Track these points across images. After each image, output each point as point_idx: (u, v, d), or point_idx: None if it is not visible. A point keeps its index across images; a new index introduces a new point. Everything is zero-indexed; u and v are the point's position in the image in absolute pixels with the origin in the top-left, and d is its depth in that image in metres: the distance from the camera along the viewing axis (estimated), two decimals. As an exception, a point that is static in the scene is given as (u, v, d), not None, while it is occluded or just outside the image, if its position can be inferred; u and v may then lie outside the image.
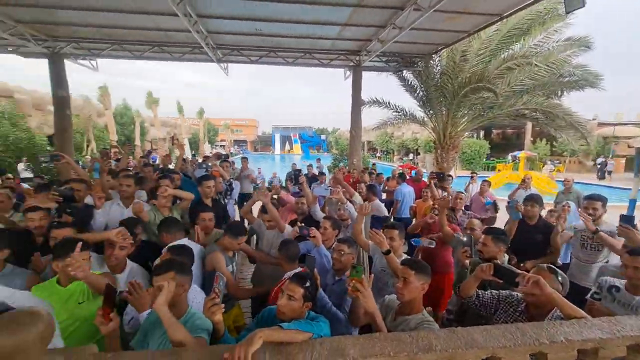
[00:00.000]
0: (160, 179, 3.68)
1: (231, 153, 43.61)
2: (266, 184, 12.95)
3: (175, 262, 1.73)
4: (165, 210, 3.49)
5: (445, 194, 4.75)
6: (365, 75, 10.16)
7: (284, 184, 7.88)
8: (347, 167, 10.48)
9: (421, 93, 10.39)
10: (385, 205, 5.14)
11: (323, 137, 54.41)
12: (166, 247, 2.36)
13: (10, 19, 7.12)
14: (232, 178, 4.89)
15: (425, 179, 6.98)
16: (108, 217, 3.37)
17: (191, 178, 5.24)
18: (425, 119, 10.96)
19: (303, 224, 2.77)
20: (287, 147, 52.13)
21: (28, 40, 7.86)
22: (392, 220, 5.27)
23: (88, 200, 3.41)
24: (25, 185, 6.07)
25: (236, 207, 5.63)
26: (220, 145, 45.43)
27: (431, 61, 9.63)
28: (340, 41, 8.62)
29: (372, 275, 1.89)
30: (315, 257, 2.34)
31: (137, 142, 23.76)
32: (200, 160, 8.21)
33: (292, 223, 3.73)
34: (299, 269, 2.48)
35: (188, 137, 36.96)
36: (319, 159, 13.48)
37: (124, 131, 24.77)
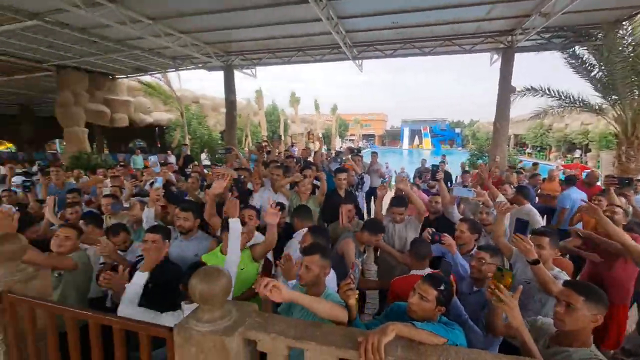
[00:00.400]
0: (303, 169, 4.14)
1: (359, 147, 45.07)
2: (393, 180, 12.87)
3: (321, 246, 1.94)
4: (305, 197, 3.93)
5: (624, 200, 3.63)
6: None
7: (411, 180, 7.63)
8: (487, 165, 9.27)
9: (600, 73, 8.08)
10: (540, 213, 4.31)
11: (457, 130, 49.58)
12: (307, 228, 2.66)
13: (201, 41, 9.26)
14: (363, 172, 5.06)
15: (600, 184, 5.48)
16: (261, 200, 4.05)
17: (326, 170, 5.71)
18: (604, 105, 8.49)
19: (434, 230, 2.60)
20: (416, 141, 49.89)
21: (211, 57, 10.05)
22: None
23: (249, 185, 4.18)
24: (205, 171, 7.89)
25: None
26: (350, 140, 47.41)
27: (618, 31, 7.36)
28: (488, 22, 7.62)
29: (521, 287, 1.64)
30: (450, 263, 2.20)
31: (280, 135, 27.29)
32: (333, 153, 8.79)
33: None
34: (427, 270, 2.38)
35: (322, 132, 40.12)
36: (444, 156, 12.29)
37: (271, 127, 28.99)
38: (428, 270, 2.36)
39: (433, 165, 4.13)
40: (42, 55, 10.49)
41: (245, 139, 22.45)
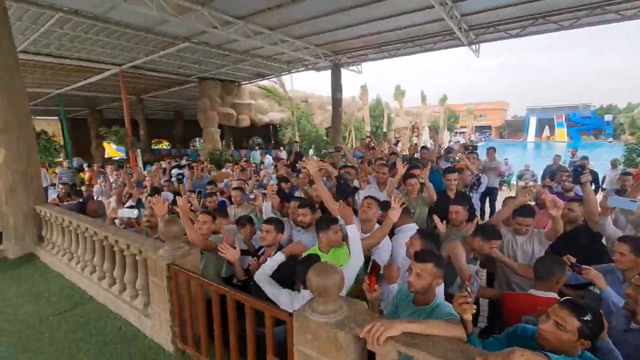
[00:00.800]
0: (411, 168, 4.00)
1: (471, 141, 40.67)
2: (514, 178, 11.18)
3: (435, 255, 1.85)
4: (412, 196, 3.79)
5: None
6: None
7: (538, 180, 6.49)
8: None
9: None
10: None
11: (608, 117, 39.59)
12: (416, 231, 2.57)
13: (312, 44, 9.82)
14: (480, 171, 4.56)
15: None
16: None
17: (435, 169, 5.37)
18: None
19: (573, 262, 2.11)
20: (546, 132, 41.95)
21: (320, 58, 10.58)
22: None
23: (355, 183, 4.28)
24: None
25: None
26: (460, 132, 43.26)
27: None
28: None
29: None
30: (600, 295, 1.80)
31: (384, 131, 26.86)
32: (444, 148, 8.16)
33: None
34: (551, 294, 2.01)
35: (428, 124, 37.79)
36: (574, 149, 9.82)
37: (375, 122, 28.81)
38: (551, 295, 2.00)
39: (576, 166, 3.39)
40: (189, 71, 12.89)
41: (349, 135, 22.94)
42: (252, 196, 4.61)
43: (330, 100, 12.46)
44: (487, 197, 6.25)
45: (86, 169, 12.96)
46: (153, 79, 13.51)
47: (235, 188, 4.49)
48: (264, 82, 16.99)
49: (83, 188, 6.81)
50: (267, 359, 1.85)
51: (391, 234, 3.01)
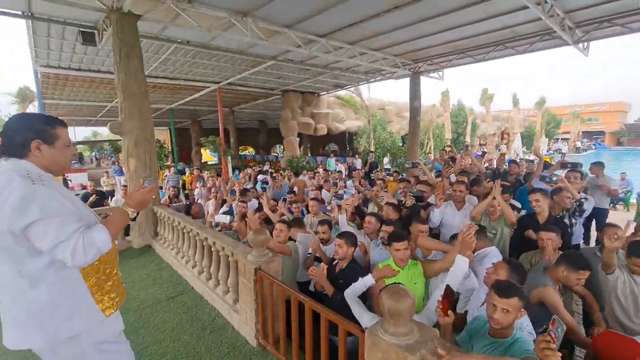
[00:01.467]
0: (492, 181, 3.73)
1: (577, 149, 34.92)
2: (634, 196, 9.29)
3: (519, 289, 1.76)
4: (495, 217, 3.52)
5: None
6: None
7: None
8: None
9: None
10: None
11: None
12: (503, 259, 2.43)
13: (391, 54, 9.79)
14: (582, 191, 3.97)
15: None
16: (443, 216, 3.94)
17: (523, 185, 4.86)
18: None
19: None
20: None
21: (399, 67, 10.46)
22: None
23: (431, 199, 4.16)
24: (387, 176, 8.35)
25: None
26: (562, 139, 37.58)
27: None
28: None
29: None
30: None
31: (467, 138, 24.94)
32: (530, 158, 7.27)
33: None
34: None
35: (520, 131, 33.80)
36: None
37: (457, 129, 26.94)
38: None
39: None
40: (274, 85, 14.01)
41: (427, 143, 21.95)
42: (329, 207, 4.84)
43: (407, 107, 12.19)
44: (594, 219, 5.39)
45: (187, 172, 15.10)
46: (243, 93, 15.03)
47: (312, 198, 4.77)
48: (341, 92, 17.43)
49: (187, 192, 7.98)
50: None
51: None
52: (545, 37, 7.93)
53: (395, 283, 2.14)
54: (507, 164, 6.33)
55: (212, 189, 6.69)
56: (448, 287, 1.93)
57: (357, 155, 17.52)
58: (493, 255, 2.81)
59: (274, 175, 8.29)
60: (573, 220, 3.39)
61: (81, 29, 6.25)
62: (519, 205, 4.18)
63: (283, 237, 3.37)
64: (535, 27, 7.48)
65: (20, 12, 5.84)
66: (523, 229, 3.32)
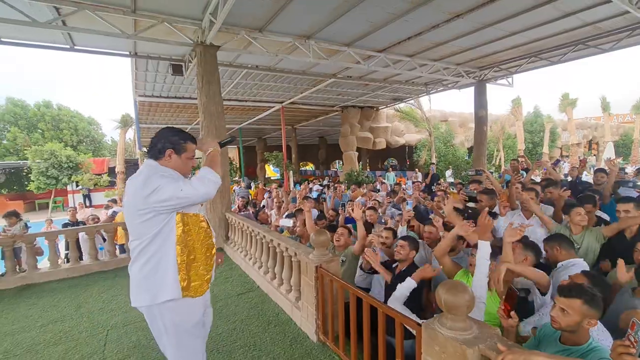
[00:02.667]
0: (581, 199, 3.38)
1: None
2: None
3: (586, 291, 1.65)
4: (578, 229, 3.20)
5: None
6: None
7: None
8: None
9: None
10: None
11: None
12: (582, 271, 2.25)
13: (453, 64, 9.54)
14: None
15: None
16: (506, 225, 3.70)
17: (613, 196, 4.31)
18: None
19: None
20: None
21: (462, 76, 10.10)
22: None
23: (496, 209, 3.95)
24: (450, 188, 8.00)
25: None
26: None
27: None
28: None
29: None
30: None
31: (545, 149, 22.54)
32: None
33: None
34: None
35: (614, 139, 29.41)
36: None
37: (533, 138, 24.51)
38: None
39: None
40: (333, 101, 14.52)
41: (497, 154, 20.36)
42: (384, 218, 4.87)
43: (473, 117, 11.59)
44: None
45: (253, 187, 16.22)
46: (305, 111, 15.83)
47: (369, 208, 4.85)
48: (401, 105, 17.28)
49: (255, 202, 8.65)
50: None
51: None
52: (637, 30, 7.03)
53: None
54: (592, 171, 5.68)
55: (276, 199, 7.16)
56: (511, 288, 1.87)
57: (416, 170, 17.01)
58: (579, 266, 2.59)
59: (335, 186, 8.54)
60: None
61: (172, 62, 7.39)
62: (606, 217, 3.74)
63: (344, 240, 3.54)
64: (624, 21, 6.70)
65: (128, 53, 7.15)
66: (613, 242, 2.98)
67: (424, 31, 6.89)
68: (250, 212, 6.73)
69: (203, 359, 2.04)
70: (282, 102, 13.55)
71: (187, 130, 2.00)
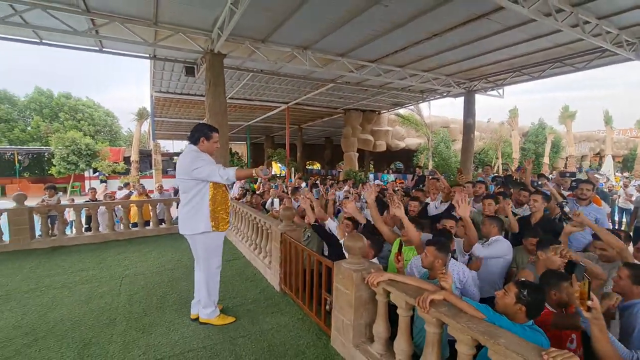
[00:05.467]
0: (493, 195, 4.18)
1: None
2: None
3: (438, 241, 2.46)
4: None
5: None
6: None
7: None
8: None
9: None
10: None
11: None
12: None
13: (443, 74, 10.29)
14: None
15: None
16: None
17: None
18: None
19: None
20: None
21: (452, 87, 10.84)
22: None
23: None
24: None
25: None
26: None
27: None
28: None
29: None
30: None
31: (546, 159, 22.91)
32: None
33: None
34: None
35: (622, 153, 29.46)
36: None
37: (537, 149, 24.82)
38: None
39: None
40: (336, 104, 15.38)
41: (496, 162, 20.89)
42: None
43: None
44: None
45: (259, 181, 17.20)
46: (310, 111, 16.72)
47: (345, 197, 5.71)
48: (402, 110, 18.01)
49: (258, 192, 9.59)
50: (322, 292, 2.90)
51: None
52: (607, 52, 7.69)
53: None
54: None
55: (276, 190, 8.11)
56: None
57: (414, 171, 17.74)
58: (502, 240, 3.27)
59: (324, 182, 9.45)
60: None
61: (185, 65, 8.37)
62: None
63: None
64: (592, 44, 7.36)
65: (147, 55, 8.16)
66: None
67: (408, 46, 7.69)
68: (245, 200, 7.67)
69: (218, 272, 3.20)
70: (287, 103, 14.46)
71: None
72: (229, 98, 12.80)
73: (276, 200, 5.67)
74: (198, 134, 2.92)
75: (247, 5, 4.91)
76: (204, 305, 3.08)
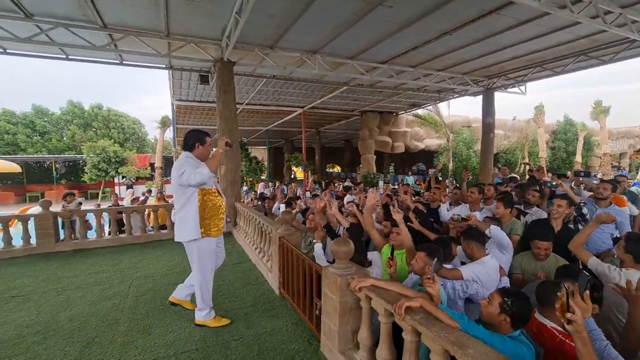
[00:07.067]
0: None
1: None
2: None
3: (428, 247, 2.43)
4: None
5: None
6: None
7: None
8: None
9: None
10: None
11: None
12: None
13: (459, 73, 9.99)
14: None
15: None
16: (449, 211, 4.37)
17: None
18: None
19: None
20: None
21: (469, 85, 10.50)
22: None
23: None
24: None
25: None
26: None
27: None
28: None
29: None
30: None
31: (578, 158, 21.63)
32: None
33: None
34: None
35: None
36: None
37: (567, 147, 23.48)
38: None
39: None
40: (352, 106, 15.32)
41: (522, 161, 19.96)
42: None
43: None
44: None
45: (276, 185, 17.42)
46: (326, 115, 16.77)
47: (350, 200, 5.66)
48: (421, 111, 17.64)
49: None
50: (314, 298, 2.88)
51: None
52: (636, 42, 7.18)
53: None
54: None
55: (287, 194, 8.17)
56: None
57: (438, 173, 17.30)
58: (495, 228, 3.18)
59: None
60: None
61: (200, 73, 8.65)
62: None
63: (314, 225, 4.39)
64: (618, 35, 6.90)
65: (164, 66, 8.52)
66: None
67: (418, 46, 7.55)
68: (255, 204, 7.78)
69: (211, 278, 3.20)
70: (303, 107, 14.58)
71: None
72: (246, 104, 13.10)
73: (282, 206, 5.71)
74: (193, 140, 2.99)
75: (249, 13, 5.01)
76: (199, 308, 3.15)
